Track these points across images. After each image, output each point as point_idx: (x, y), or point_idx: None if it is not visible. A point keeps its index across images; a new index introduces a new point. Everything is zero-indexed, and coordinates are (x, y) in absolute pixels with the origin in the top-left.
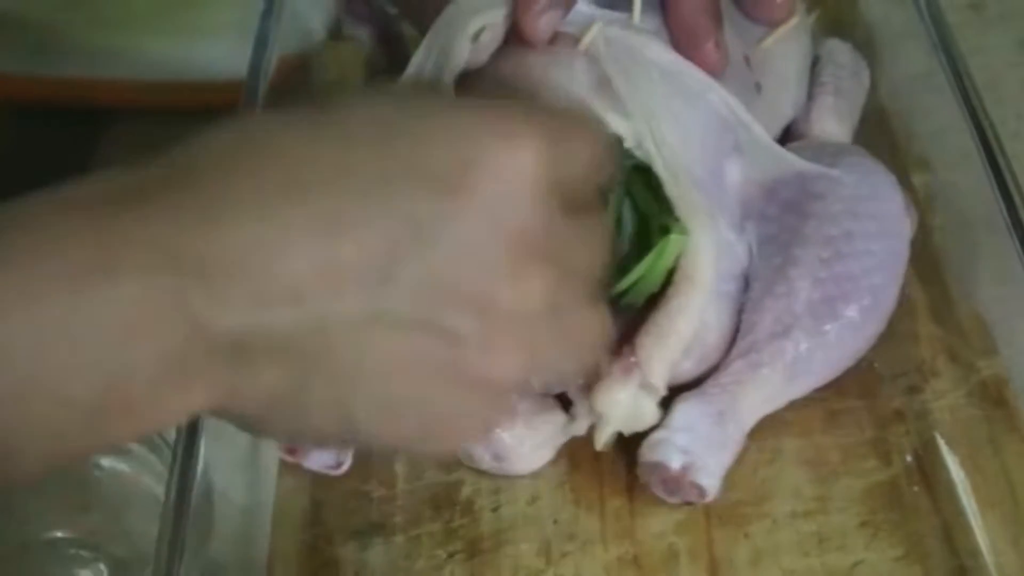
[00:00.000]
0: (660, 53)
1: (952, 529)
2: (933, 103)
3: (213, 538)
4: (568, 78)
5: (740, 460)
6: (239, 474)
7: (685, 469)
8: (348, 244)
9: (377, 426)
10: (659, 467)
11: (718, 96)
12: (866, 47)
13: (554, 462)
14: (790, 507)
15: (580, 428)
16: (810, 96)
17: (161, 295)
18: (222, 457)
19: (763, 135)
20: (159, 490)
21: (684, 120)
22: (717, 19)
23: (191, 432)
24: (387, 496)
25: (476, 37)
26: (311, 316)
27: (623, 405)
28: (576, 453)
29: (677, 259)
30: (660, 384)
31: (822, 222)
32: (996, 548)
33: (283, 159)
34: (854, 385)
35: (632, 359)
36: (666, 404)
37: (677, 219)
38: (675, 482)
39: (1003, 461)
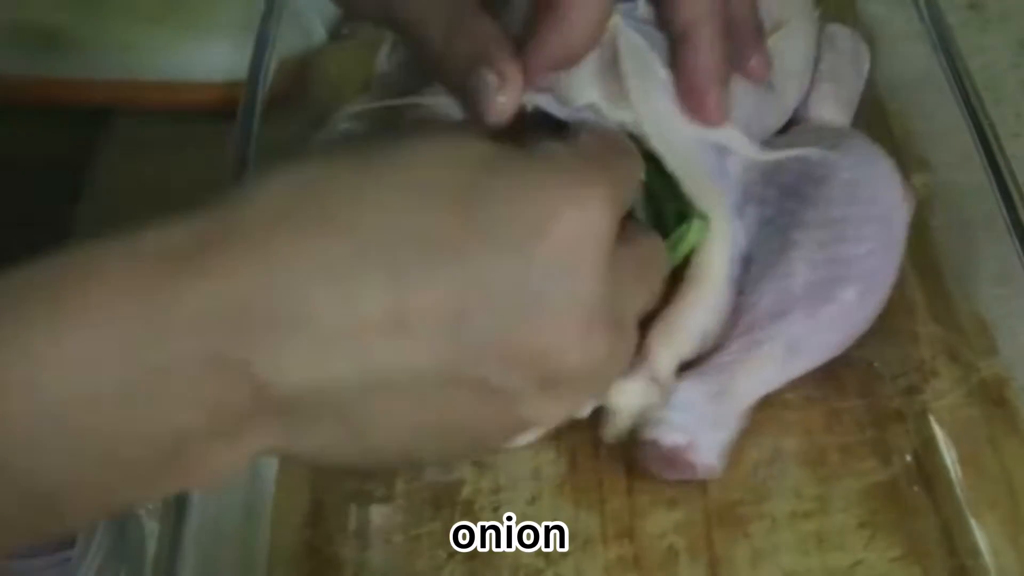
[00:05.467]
0: (667, 74)
1: (952, 529)
2: (933, 103)
3: (212, 539)
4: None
5: (740, 460)
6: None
7: (681, 447)
8: (417, 302)
9: (431, 458)
10: (654, 445)
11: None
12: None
13: (554, 462)
14: (790, 507)
15: (583, 411)
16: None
17: (221, 358)
18: None
19: (762, 155)
20: None
21: (687, 132)
22: (723, 78)
23: None
24: (387, 496)
25: None
26: (376, 374)
27: (632, 398)
28: (576, 453)
29: (691, 251)
30: (667, 376)
31: (821, 206)
32: (996, 548)
33: (353, 220)
34: (854, 385)
35: (639, 354)
36: None
37: (691, 204)
38: (670, 460)
39: (1003, 461)
